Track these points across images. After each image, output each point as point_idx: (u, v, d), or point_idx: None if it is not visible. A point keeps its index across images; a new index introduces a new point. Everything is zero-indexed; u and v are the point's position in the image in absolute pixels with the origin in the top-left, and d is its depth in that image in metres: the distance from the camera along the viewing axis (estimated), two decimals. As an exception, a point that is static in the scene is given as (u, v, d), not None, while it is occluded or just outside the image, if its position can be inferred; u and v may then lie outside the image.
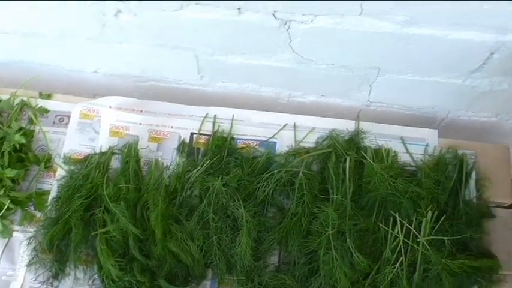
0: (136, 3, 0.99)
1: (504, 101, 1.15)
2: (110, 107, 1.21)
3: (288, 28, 0.99)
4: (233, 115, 1.19)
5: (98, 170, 1.11)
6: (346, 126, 1.17)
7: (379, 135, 1.17)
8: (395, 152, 1.15)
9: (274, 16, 0.97)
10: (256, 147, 1.17)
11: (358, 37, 0.99)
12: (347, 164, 1.09)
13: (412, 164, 1.15)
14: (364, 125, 1.18)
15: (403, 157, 1.16)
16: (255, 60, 1.13)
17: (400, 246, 1.03)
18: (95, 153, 1.15)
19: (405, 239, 1.03)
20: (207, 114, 1.20)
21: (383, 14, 0.93)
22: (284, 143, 1.17)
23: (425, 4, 0.88)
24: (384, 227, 1.05)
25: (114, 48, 1.16)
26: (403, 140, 1.17)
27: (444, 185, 1.10)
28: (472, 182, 1.13)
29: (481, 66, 1.04)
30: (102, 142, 1.17)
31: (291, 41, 1.03)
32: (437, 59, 1.04)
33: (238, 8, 0.96)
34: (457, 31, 0.95)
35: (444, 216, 1.06)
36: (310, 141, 1.17)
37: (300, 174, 1.08)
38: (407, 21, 0.93)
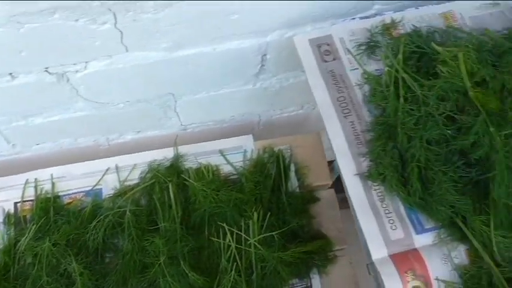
0: None
1: (299, 93, 1.23)
2: None
3: (68, 79, 1.02)
4: (51, 174, 1.19)
5: None
6: (166, 155, 1.20)
7: (200, 154, 1.21)
8: (216, 166, 1.19)
9: (48, 72, 0.99)
10: (83, 198, 1.17)
11: (135, 71, 1.03)
12: (170, 190, 1.12)
13: (234, 172, 1.20)
14: (184, 149, 1.21)
15: (226, 168, 1.21)
16: (55, 116, 1.14)
17: (234, 254, 1.07)
18: None
19: (238, 245, 1.07)
20: (27, 180, 1.18)
21: (146, 45, 0.97)
22: (109, 187, 1.18)
23: (176, 29, 0.93)
24: (216, 239, 1.09)
25: None
26: (221, 152, 1.22)
27: (265, 184, 1.15)
28: (292, 174, 1.20)
29: (261, 68, 1.11)
30: None
31: (77, 90, 1.06)
32: (218, 72, 1.09)
33: (10, 73, 0.97)
34: (220, 44, 1.01)
35: (270, 213, 1.11)
36: (134, 178, 1.19)
37: (127, 212, 1.10)
38: (172, 46, 0.98)
